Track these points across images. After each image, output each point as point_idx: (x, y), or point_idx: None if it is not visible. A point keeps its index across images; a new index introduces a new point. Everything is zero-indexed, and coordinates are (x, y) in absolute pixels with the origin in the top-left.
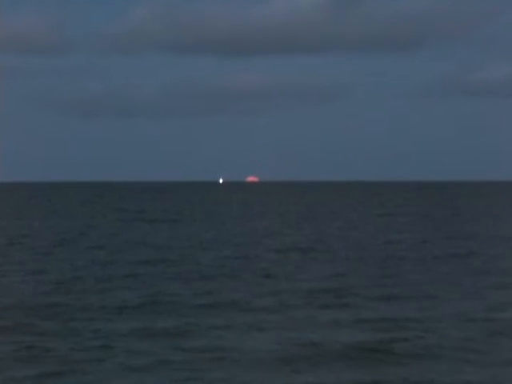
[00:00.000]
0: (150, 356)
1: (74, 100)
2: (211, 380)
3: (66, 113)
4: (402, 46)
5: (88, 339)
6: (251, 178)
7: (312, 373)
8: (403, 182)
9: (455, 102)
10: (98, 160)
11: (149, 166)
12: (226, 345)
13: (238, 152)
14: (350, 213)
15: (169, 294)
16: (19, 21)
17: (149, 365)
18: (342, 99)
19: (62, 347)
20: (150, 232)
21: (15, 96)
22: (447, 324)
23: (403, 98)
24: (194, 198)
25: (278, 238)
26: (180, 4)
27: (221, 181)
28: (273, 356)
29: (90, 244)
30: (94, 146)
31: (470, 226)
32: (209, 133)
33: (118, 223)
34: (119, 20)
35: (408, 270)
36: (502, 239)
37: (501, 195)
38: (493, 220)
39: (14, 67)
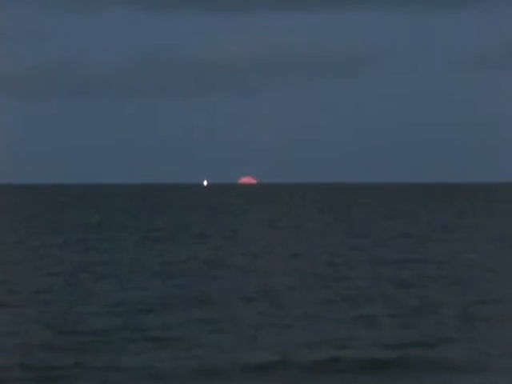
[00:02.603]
0: None
1: (12, 75)
2: None
3: (2, 92)
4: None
5: None
6: (246, 179)
7: None
8: (446, 183)
9: None
10: (47, 155)
11: (113, 163)
12: None
13: (229, 145)
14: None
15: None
16: None
17: None
18: (371, 71)
19: None
20: (137, 253)
21: None
22: None
23: (454, 70)
24: (177, 205)
25: (304, 262)
26: None
27: (205, 183)
28: None
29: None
30: (40, 136)
31: None
32: (192, 118)
33: (92, 241)
34: None
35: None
36: None
37: None
38: None
39: None
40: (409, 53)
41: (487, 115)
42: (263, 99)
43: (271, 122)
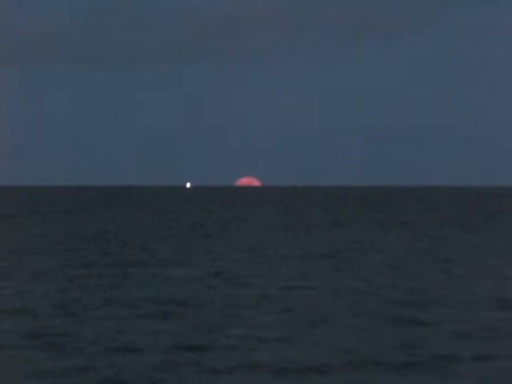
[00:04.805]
0: None
1: None
2: None
3: None
4: None
5: None
6: (246, 180)
7: None
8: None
9: None
10: None
11: (67, 157)
12: None
13: (224, 133)
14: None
15: None
16: None
17: None
18: (419, 35)
19: None
20: (124, 288)
21: None
22: None
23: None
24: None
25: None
26: None
27: (188, 185)
28: None
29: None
30: None
31: None
32: (173, 93)
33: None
34: None
35: None
36: None
37: None
38: None
39: None
40: (463, 14)
41: None
42: (270, 68)
43: (283, 99)
